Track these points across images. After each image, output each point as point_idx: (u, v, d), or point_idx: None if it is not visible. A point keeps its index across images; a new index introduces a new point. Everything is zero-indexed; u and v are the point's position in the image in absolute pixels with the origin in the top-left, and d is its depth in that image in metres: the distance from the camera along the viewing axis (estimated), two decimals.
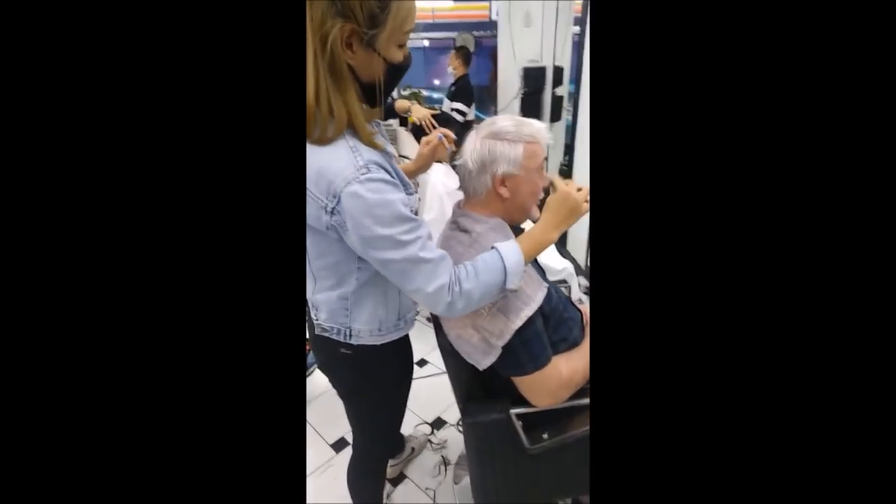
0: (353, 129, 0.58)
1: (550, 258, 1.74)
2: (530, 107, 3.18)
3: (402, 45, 0.59)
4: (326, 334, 0.73)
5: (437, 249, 0.62)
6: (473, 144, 0.79)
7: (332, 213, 0.57)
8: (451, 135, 0.91)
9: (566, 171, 2.79)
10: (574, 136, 2.55)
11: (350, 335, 0.72)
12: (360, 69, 0.58)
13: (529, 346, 0.73)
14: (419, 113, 1.56)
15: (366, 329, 0.72)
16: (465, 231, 0.80)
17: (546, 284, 0.77)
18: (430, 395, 1.63)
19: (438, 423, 1.53)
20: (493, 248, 0.67)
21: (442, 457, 1.39)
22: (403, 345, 0.82)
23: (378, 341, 0.73)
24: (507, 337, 0.70)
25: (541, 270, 0.82)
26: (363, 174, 0.55)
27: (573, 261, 2.47)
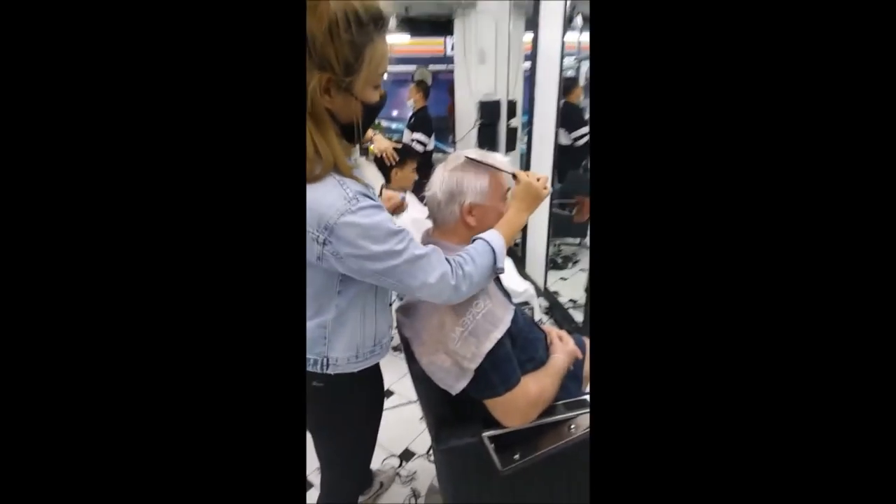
0: (336, 167, 0.62)
1: (511, 281, 1.80)
2: (486, 138, 3.33)
3: (377, 87, 0.64)
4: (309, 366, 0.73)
5: (425, 247, 0.67)
6: (441, 176, 0.83)
7: (324, 243, 0.60)
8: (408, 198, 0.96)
9: None
10: (529, 166, 2.69)
11: (327, 365, 0.72)
12: (338, 112, 0.62)
13: (500, 368, 0.75)
14: (381, 145, 1.60)
15: (343, 357, 0.72)
16: None
17: (512, 306, 0.80)
18: (398, 427, 1.60)
19: (407, 455, 1.50)
20: (475, 238, 0.75)
21: (412, 489, 1.36)
22: (375, 374, 0.82)
23: (354, 368, 0.74)
24: (479, 360, 0.72)
25: (506, 293, 0.85)
26: (354, 205, 0.60)
27: (532, 283, 2.55)
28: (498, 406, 0.77)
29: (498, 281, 0.90)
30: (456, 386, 0.74)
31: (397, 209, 1.28)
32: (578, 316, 2.19)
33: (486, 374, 0.74)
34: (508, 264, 1.95)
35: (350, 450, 0.87)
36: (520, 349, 0.83)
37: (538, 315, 1.91)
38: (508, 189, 0.87)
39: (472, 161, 0.82)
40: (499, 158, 0.84)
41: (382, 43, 0.61)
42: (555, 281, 2.66)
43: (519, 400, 0.77)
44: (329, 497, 0.93)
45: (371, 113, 0.65)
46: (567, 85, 3.00)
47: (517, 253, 3.10)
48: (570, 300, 2.47)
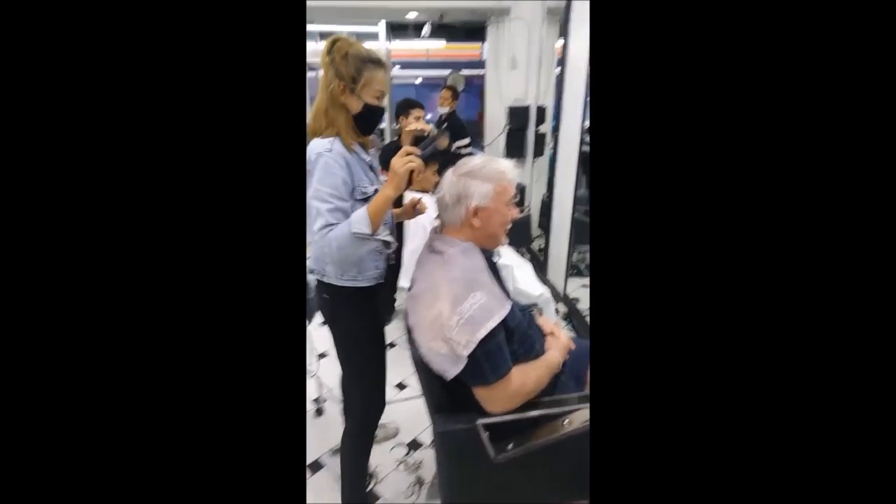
0: (339, 135, 0.94)
1: (529, 284, 1.82)
2: (515, 143, 3.36)
3: (377, 97, 0.97)
4: (314, 275, 1.02)
5: (335, 210, 0.89)
6: (450, 180, 0.90)
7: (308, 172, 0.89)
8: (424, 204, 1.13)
9: (548, 204, 2.91)
10: (554, 170, 2.69)
11: (323, 274, 1.00)
12: (350, 106, 0.97)
13: (491, 358, 0.79)
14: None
15: (332, 273, 0.99)
16: (439, 252, 0.88)
17: (510, 302, 0.84)
18: (408, 419, 1.65)
19: (414, 445, 1.55)
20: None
21: (417, 477, 1.41)
22: (365, 295, 1.02)
23: (340, 283, 0.99)
24: (472, 347, 0.77)
25: (505, 291, 0.89)
26: (327, 150, 0.90)
27: (552, 287, 2.54)
28: (483, 393, 0.82)
29: (499, 279, 0.94)
30: (450, 371, 0.79)
31: (416, 211, 1.32)
32: None
33: (478, 363, 0.78)
34: (527, 268, 1.97)
35: (359, 356, 1.08)
36: (517, 343, 0.87)
37: (553, 318, 1.92)
38: (514, 195, 0.91)
39: (478, 167, 0.89)
40: (504, 164, 0.91)
41: (378, 72, 0.95)
42: (576, 288, 2.65)
43: (503, 390, 0.81)
44: (350, 422, 1.15)
45: (373, 112, 0.98)
46: None
47: (539, 258, 3.09)
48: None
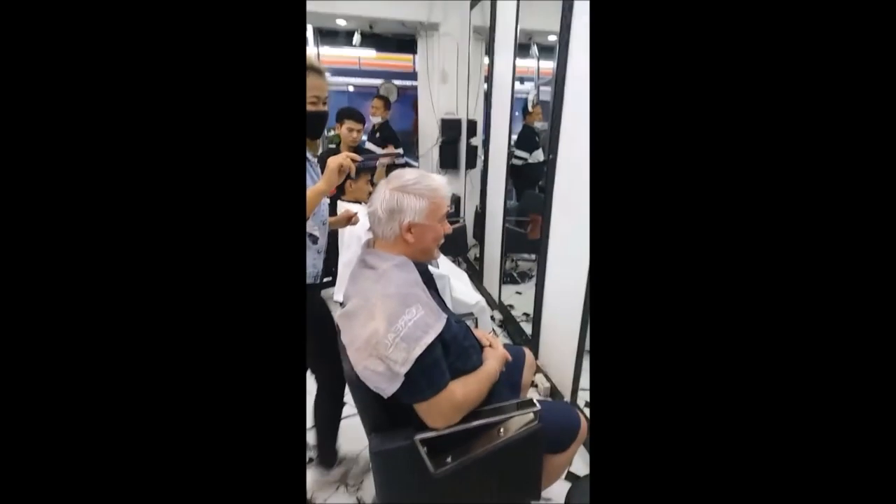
0: None
1: (465, 293, 1.85)
2: (448, 154, 3.43)
3: (313, 103, 1.02)
4: None
5: None
6: (383, 195, 0.88)
7: None
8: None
9: (481, 214, 3.00)
10: (486, 182, 2.78)
11: None
12: None
13: (429, 373, 0.80)
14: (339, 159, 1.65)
15: None
16: (372, 268, 0.87)
17: (445, 315, 0.85)
18: (346, 437, 1.60)
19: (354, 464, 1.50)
20: None
21: (357, 498, 1.36)
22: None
23: None
24: (409, 364, 0.76)
25: (442, 302, 0.90)
26: None
27: (488, 296, 2.62)
28: (423, 408, 0.81)
29: (435, 291, 0.95)
30: (388, 390, 0.78)
31: (348, 221, 1.32)
32: (530, 329, 2.27)
33: (415, 379, 0.78)
34: (463, 278, 2.01)
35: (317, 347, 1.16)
36: (454, 356, 0.88)
37: (489, 326, 1.97)
38: (446, 212, 0.93)
39: (412, 182, 0.89)
40: (438, 180, 0.92)
41: (312, 78, 1.00)
42: (510, 295, 2.74)
43: (443, 403, 0.81)
44: (320, 398, 1.31)
45: (314, 117, 1.04)
46: (525, 108, 3.15)
47: (475, 267, 3.17)
48: (524, 314, 2.55)
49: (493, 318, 2.45)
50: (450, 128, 3.39)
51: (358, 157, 1.00)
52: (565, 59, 1.57)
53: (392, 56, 5.29)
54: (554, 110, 1.66)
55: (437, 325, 0.81)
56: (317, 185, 0.98)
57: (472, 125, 3.41)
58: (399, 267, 0.86)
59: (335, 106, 2.25)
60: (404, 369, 0.76)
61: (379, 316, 0.79)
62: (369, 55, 5.12)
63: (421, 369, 0.78)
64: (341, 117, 2.27)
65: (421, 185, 0.89)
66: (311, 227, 1.09)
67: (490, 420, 0.89)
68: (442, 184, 0.92)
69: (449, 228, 0.96)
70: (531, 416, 0.91)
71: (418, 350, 0.77)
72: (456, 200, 3.63)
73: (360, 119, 2.25)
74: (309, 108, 1.01)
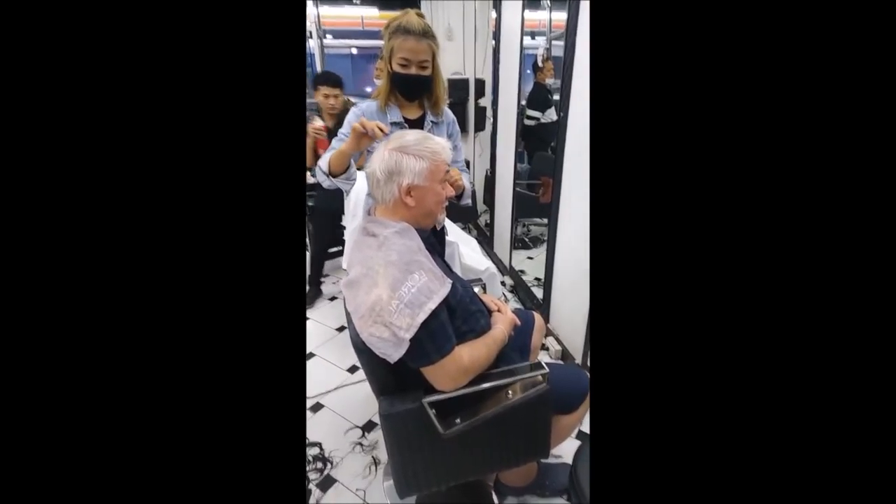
0: None
1: (475, 260, 1.84)
2: (455, 116, 3.31)
3: (402, 65, 1.14)
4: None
5: None
6: (381, 155, 0.85)
7: None
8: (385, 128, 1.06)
9: (491, 179, 2.94)
10: (495, 145, 2.70)
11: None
12: (388, 74, 1.18)
13: (434, 337, 0.79)
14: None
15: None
16: (374, 235, 0.86)
17: (450, 280, 0.84)
18: (361, 401, 1.65)
19: (369, 426, 1.55)
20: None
21: (372, 457, 1.42)
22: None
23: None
24: (414, 330, 0.76)
25: (447, 267, 0.89)
26: (356, 107, 1.20)
27: (499, 262, 2.60)
28: (431, 372, 0.82)
29: (441, 258, 0.94)
30: (394, 355, 0.78)
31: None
32: (541, 294, 2.26)
33: (422, 344, 0.78)
34: (473, 244, 1.99)
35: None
36: (461, 319, 0.88)
37: (499, 291, 1.97)
38: (447, 171, 0.90)
39: (412, 143, 0.85)
40: (439, 142, 0.89)
41: (404, 40, 1.09)
42: (521, 260, 2.72)
43: (450, 366, 0.82)
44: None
45: (402, 79, 1.14)
46: (536, 65, 3.00)
47: (486, 233, 3.14)
48: (536, 278, 2.54)
49: (503, 283, 2.45)
50: (457, 88, 3.26)
51: (387, 129, 0.96)
52: (577, 9, 1.46)
53: (395, 15, 5.08)
54: (565, 66, 1.57)
55: (442, 291, 0.80)
56: (342, 145, 1.04)
57: (480, 85, 3.28)
58: (400, 233, 0.85)
59: (338, 68, 2.14)
60: (409, 335, 0.76)
61: (382, 283, 0.78)
62: (372, 14, 4.91)
63: (427, 334, 0.78)
64: (316, 83, 2.08)
65: (421, 146, 0.86)
66: (343, 183, 1.14)
67: (498, 382, 0.90)
68: (443, 145, 0.89)
69: (452, 192, 0.93)
70: (539, 378, 0.91)
71: (422, 316, 0.76)
72: (465, 164, 3.55)
73: (336, 83, 2.06)
74: (399, 70, 1.09)
